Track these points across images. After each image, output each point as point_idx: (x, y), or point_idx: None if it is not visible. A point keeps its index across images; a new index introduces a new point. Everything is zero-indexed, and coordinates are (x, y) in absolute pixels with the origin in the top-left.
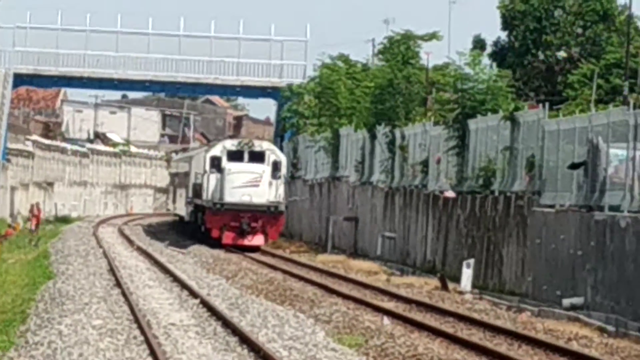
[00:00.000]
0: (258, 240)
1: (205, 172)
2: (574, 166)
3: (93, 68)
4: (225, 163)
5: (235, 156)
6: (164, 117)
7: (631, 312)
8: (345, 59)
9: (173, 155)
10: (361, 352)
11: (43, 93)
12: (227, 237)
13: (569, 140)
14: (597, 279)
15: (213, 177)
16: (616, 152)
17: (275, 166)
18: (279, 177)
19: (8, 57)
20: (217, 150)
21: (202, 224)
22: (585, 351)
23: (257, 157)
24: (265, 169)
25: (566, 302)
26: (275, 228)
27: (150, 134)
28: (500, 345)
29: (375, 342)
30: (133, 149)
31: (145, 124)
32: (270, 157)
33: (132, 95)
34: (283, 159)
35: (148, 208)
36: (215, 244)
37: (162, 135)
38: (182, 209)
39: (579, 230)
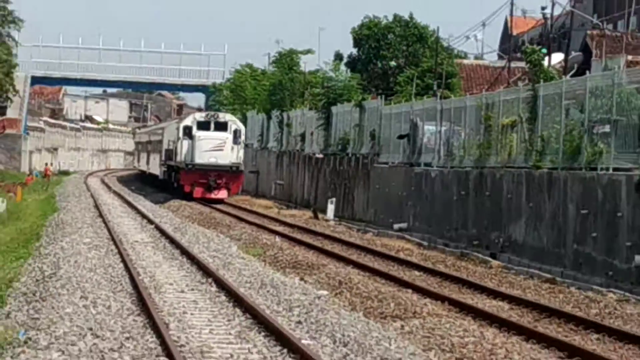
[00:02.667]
0: (222, 194)
1: (178, 139)
2: (401, 137)
3: (83, 72)
4: (195, 131)
5: (203, 126)
6: (131, 105)
7: (438, 233)
8: (250, 66)
9: (137, 130)
10: (261, 259)
11: (50, 89)
12: (197, 192)
13: (398, 120)
14: (416, 211)
15: (185, 143)
16: (429, 128)
17: (236, 134)
18: (239, 143)
19: (28, 66)
20: (188, 121)
21: (176, 181)
22: (408, 258)
23: (221, 126)
24: (228, 136)
25: (396, 226)
26: (236, 184)
27: (121, 117)
28: (353, 254)
29: (270, 252)
30: (110, 127)
31: (118, 109)
32: (232, 127)
33: (110, 90)
34: (242, 128)
35: (120, 165)
36: (187, 197)
37: (129, 117)
38: (156, 169)
39: (404, 179)
